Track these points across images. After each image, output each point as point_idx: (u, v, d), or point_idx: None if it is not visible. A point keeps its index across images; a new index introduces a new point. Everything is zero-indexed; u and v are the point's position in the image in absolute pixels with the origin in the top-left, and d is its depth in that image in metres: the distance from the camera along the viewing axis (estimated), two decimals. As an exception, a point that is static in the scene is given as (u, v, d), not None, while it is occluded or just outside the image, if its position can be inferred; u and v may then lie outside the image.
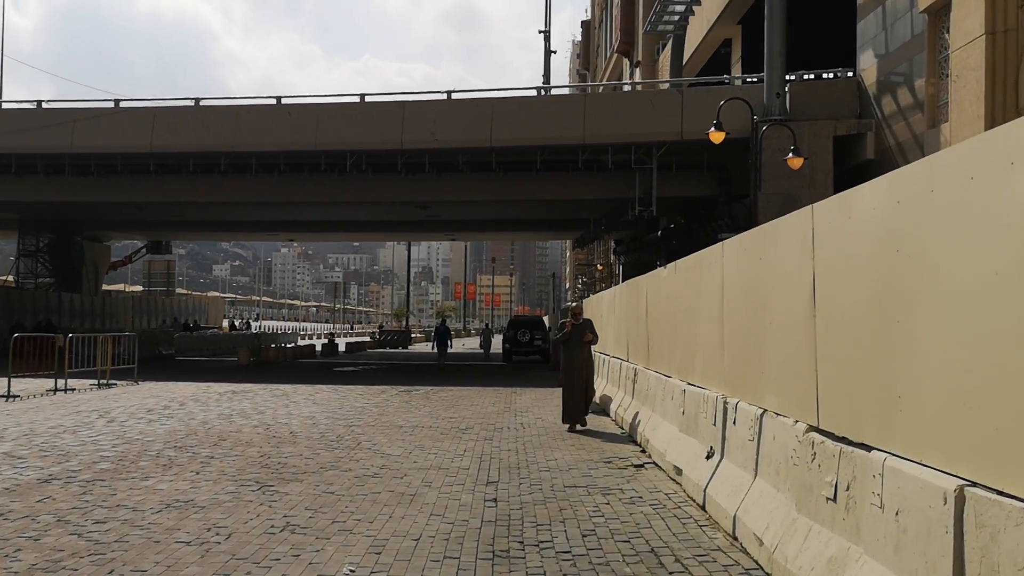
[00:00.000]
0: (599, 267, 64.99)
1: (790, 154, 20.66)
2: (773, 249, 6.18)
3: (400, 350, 53.80)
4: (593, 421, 14.35)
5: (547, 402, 17.90)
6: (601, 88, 47.46)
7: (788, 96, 25.67)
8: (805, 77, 27.43)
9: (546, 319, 48.54)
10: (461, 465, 9.98)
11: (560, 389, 20.73)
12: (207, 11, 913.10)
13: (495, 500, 8.01)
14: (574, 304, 13.79)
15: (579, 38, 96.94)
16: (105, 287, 72.66)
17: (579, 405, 13.13)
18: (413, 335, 69.53)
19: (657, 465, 9.77)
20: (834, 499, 4.72)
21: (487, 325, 56.27)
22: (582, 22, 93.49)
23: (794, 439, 5.49)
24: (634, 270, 40.85)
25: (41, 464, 9.67)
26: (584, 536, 6.63)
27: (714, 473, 7.30)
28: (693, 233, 32.03)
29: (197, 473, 9.25)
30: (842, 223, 4.84)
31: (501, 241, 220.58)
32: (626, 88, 41.59)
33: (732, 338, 7.40)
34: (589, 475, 9.36)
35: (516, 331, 37.33)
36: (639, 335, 12.88)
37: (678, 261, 10.09)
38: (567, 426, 13.13)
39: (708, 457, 7.65)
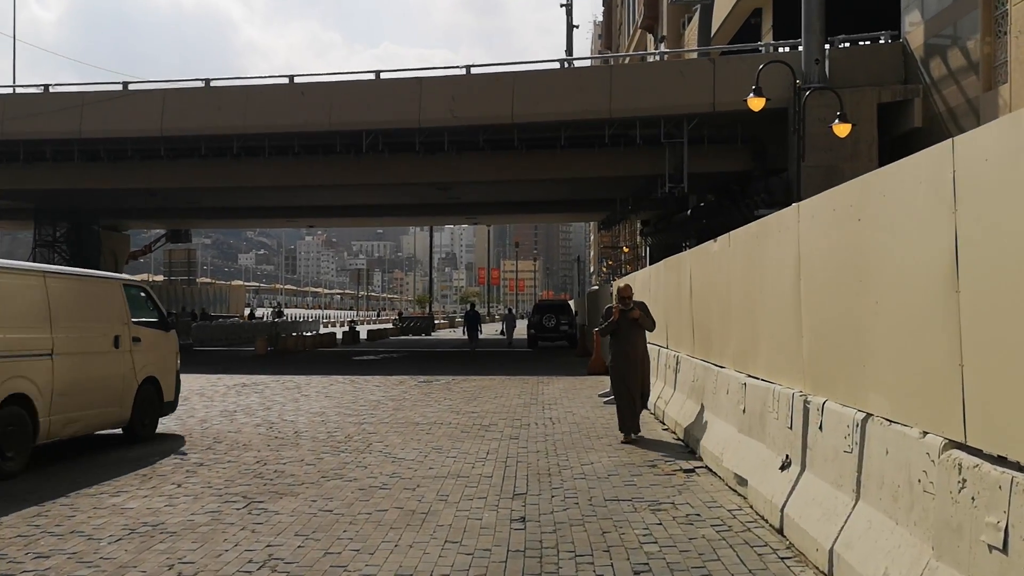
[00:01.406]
0: (625, 249, 63.46)
1: (836, 121, 19.07)
2: (881, 205, 4.77)
3: (423, 337, 52.62)
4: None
5: (577, 393, 16.57)
6: (627, 59, 45.71)
7: (828, 62, 24.04)
8: (842, 44, 25.76)
9: (572, 303, 47.07)
10: (483, 472, 8.67)
11: (589, 377, 19.50)
12: (227, 1, 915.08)
13: (523, 519, 6.69)
14: (621, 284, 10.86)
15: (600, 18, 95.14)
16: (128, 277, 72.20)
17: (636, 411, 10.52)
18: (436, 321, 68.36)
19: (711, 471, 8.40)
20: (1003, 549, 3.34)
21: (510, 310, 54.75)
22: (603, 0, 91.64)
23: (923, 457, 4.11)
24: (662, 251, 39.28)
25: None
26: (637, 574, 5.29)
27: (793, 489, 5.93)
28: (726, 210, 30.45)
29: (178, 485, 8.01)
30: (1009, 159, 3.43)
31: (524, 224, 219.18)
32: (654, 58, 39.82)
33: (814, 323, 6.01)
34: (632, 483, 8.01)
35: (541, 316, 35.96)
36: (681, 319, 11.48)
37: (732, 232, 8.69)
38: (623, 437, 10.45)
39: (783, 468, 6.27)
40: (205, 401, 15.52)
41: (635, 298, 11.04)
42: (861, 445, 4.91)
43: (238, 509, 7.05)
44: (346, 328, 48.42)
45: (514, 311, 55.72)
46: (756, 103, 19.19)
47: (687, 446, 9.88)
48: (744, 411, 7.63)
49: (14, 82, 46.34)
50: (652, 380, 13.78)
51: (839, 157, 23.68)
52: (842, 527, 4.93)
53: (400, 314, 77.31)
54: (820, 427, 5.62)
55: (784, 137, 25.55)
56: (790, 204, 20.22)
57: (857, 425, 4.99)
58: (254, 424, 12.28)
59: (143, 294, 11.70)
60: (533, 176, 31.27)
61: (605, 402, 14.60)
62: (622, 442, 10.32)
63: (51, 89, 31.62)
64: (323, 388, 17.89)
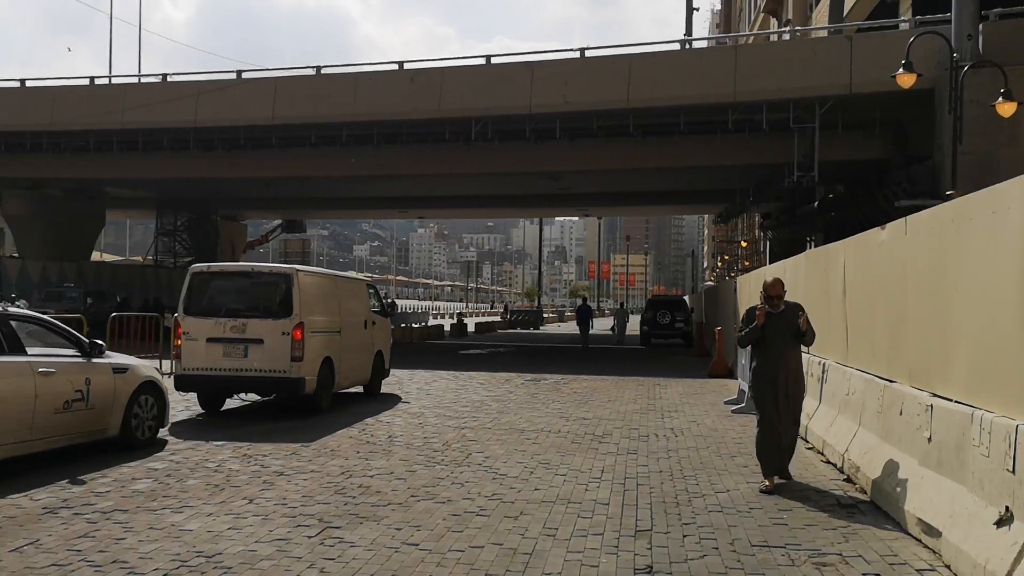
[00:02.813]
0: (743, 244, 60.82)
1: (999, 99, 16.85)
2: None
3: (532, 330, 51.56)
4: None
5: (699, 398, 15.05)
6: (752, 39, 43.39)
7: (981, 38, 21.61)
8: (997, 19, 23.09)
9: (687, 299, 45.05)
10: (598, 497, 7.38)
11: (711, 380, 17.84)
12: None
13: (650, 570, 5.37)
14: (768, 279, 8.10)
15: (718, 5, 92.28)
16: (246, 266, 73.86)
17: (786, 448, 7.90)
18: (545, 315, 67.21)
19: (879, 509, 6.87)
20: None
21: (622, 304, 52.79)
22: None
23: None
24: (783, 246, 36.96)
25: (64, 483, 7.68)
26: (813, 672, 3.92)
27: (1022, 556, 4.41)
28: (859, 202, 28.15)
29: (250, 501, 7.02)
30: None
31: (636, 218, 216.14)
32: (776, 38, 37.42)
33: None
34: (782, 521, 6.57)
35: (656, 312, 34.27)
36: (831, 320, 9.86)
37: (910, 217, 7.11)
38: (767, 482, 7.76)
39: (1001, 524, 4.76)
40: (302, 396, 14.74)
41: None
42: None
43: (310, 537, 5.98)
44: (454, 320, 47.84)
45: (626, 306, 53.76)
46: (906, 79, 17.16)
47: (839, 470, 8.34)
48: (930, 440, 6.09)
49: (139, 71, 47.58)
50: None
51: (995, 143, 21.36)
52: None
53: (506, 307, 76.38)
54: (1070, 478, 4.09)
55: (928, 121, 23.25)
56: (937, 194, 17.75)
57: None
58: (346, 425, 11.33)
59: (372, 290, 15.41)
60: (649, 164, 29.72)
61: (733, 411, 13.07)
62: (762, 491, 7.62)
63: (169, 79, 31.90)
64: (425, 384, 16.93)
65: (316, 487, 7.57)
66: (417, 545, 5.83)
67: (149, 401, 9.54)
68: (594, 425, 11.66)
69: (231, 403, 13.23)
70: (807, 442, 10.05)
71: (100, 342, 9.21)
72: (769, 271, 15.98)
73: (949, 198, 14.44)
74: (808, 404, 10.39)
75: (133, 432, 9.24)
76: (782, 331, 7.86)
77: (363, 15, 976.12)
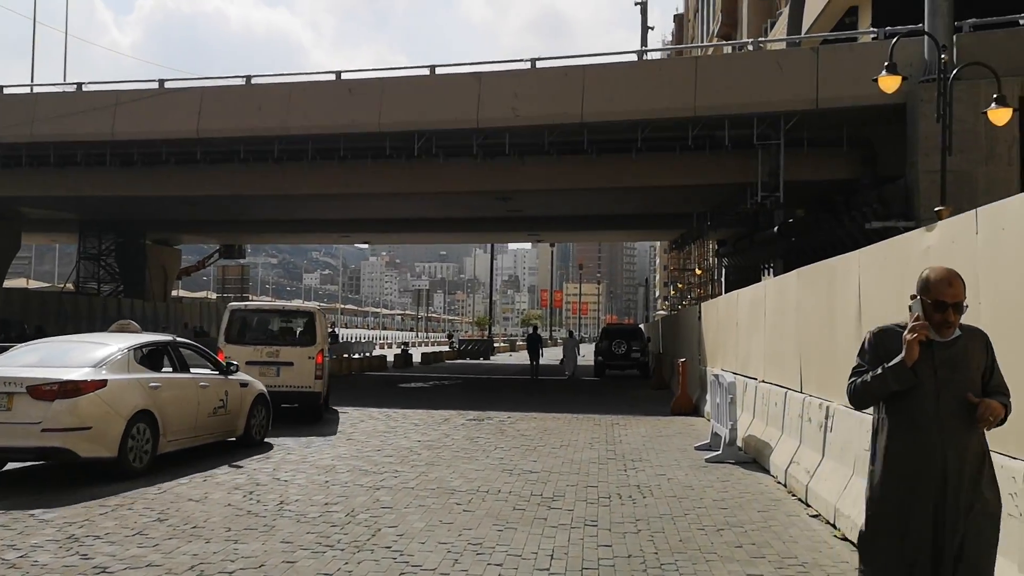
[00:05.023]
0: (698, 272, 59.49)
1: (992, 105, 15.24)
2: None
3: (481, 361, 49.26)
4: (741, 478, 9.37)
5: (664, 441, 12.99)
6: (711, 51, 42.11)
7: (956, 50, 20.25)
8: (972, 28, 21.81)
9: (643, 328, 43.24)
10: (545, 606, 5.22)
11: (675, 419, 15.65)
12: (296, 26, 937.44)
13: None
14: (931, 274, 3.72)
15: (669, 37, 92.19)
16: (187, 294, 70.39)
17: None
18: (496, 344, 64.90)
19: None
20: None
21: (571, 332, 50.24)
22: (674, 16, 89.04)
23: None
24: (740, 274, 35.46)
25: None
26: None
27: None
28: (824, 226, 26.59)
29: (28, 625, 4.73)
30: None
31: (588, 245, 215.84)
32: (729, 50, 36.00)
33: None
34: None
35: (611, 342, 32.27)
36: (837, 354, 7.89)
37: (987, 209, 5.14)
38: None
39: None
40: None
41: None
42: None
43: None
44: (398, 351, 45.33)
45: (575, 334, 51.30)
46: (889, 83, 15.48)
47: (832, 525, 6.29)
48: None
49: (64, 79, 44.58)
50: (774, 433, 10.23)
51: (972, 160, 20.05)
52: None
53: (451, 335, 73.44)
54: None
55: (899, 139, 21.84)
56: (910, 216, 15.74)
57: None
58: (232, 486, 9.00)
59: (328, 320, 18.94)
60: (604, 184, 27.88)
61: (708, 460, 11.01)
62: None
63: (84, 88, 29.35)
64: (350, 426, 14.61)
65: (142, 595, 5.30)
66: None
67: (262, 410, 12.00)
68: (543, 481, 9.49)
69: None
70: (807, 505, 8.00)
71: (234, 363, 11.80)
72: (742, 297, 13.97)
73: (937, 216, 12.73)
74: (802, 453, 8.42)
75: (252, 434, 11.65)
76: (955, 378, 3.74)
77: (315, 43, 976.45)
